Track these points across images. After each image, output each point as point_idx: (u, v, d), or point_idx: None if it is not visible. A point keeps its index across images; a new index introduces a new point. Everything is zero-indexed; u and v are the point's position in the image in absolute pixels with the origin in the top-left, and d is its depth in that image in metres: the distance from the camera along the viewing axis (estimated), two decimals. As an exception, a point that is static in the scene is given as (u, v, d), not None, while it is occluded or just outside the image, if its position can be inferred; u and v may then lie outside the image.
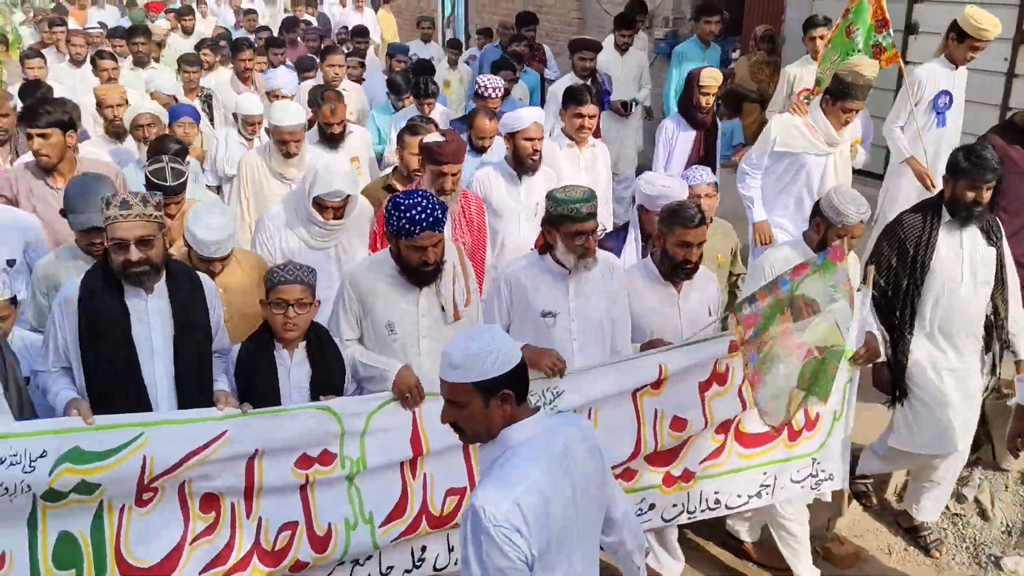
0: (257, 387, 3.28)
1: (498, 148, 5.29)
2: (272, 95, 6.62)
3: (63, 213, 3.65)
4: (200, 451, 3.00)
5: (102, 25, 10.55)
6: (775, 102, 6.97)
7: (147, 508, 3.01)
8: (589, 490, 2.36)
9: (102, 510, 2.94)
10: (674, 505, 3.78)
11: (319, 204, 3.99)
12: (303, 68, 8.29)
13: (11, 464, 2.75)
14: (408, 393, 3.26)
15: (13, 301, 3.42)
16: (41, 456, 2.79)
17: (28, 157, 4.71)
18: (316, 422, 3.17)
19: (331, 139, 5.51)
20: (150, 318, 3.16)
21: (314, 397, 3.30)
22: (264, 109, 6.08)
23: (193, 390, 3.20)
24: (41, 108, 4.29)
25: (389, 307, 3.43)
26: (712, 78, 5.78)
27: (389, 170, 5.24)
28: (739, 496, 3.88)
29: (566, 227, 3.49)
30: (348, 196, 4.02)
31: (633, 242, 4.33)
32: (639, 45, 8.37)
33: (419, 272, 3.36)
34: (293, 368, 3.37)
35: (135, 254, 3.07)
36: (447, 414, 2.31)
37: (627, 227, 4.41)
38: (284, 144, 4.90)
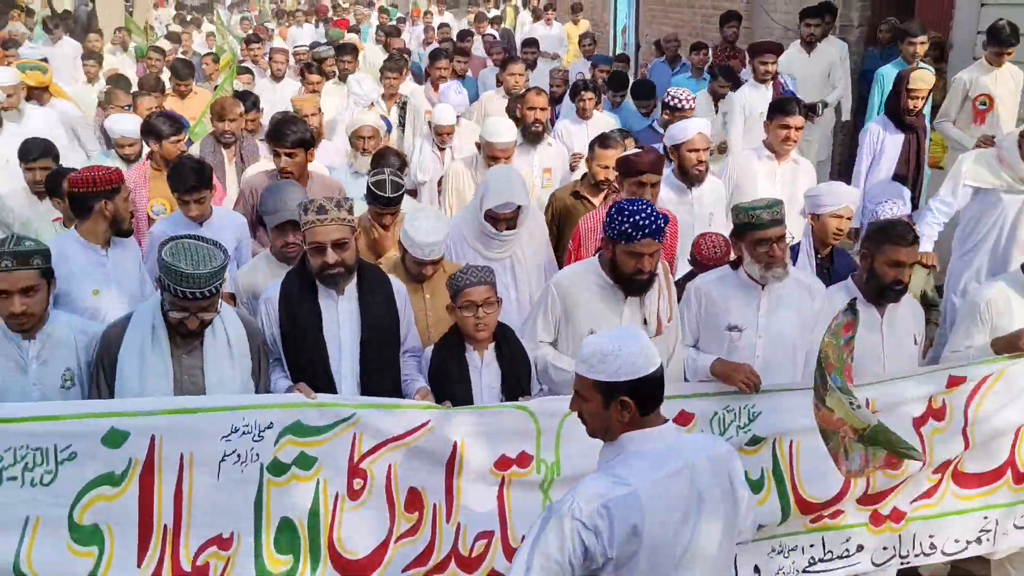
0: (450, 391, 3.35)
1: None
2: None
3: (259, 221, 3.89)
4: (404, 436, 3.15)
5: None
6: (946, 111, 6.56)
7: (358, 502, 3.14)
8: (712, 517, 2.25)
9: (318, 493, 3.10)
10: (884, 548, 3.54)
11: (491, 216, 4.03)
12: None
13: (244, 432, 2.99)
14: (743, 380, 3.28)
15: (231, 298, 3.70)
16: (268, 427, 3.02)
17: (262, 165, 5.10)
18: (513, 420, 3.22)
19: (533, 137, 5.69)
20: (340, 318, 3.31)
21: (505, 398, 3.34)
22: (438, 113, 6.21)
23: (377, 388, 3.30)
24: (288, 128, 4.58)
25: (592, 315, 3.41)
26: (922, 80, 5.64)
27: (578, 176, 5.28)
28: (956, 541, 3.59)
29: (749, 236, 3.45)
30: (520, 207, 4.04)
31: (805, 254, 4.21)
32: (829, 42, 7.93)
33: (632, 280, 3.32)
34: (484, 370, 3.43)
35: (332, 256, 3.21)
36: (573, 403, 2.34)
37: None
38: (495, 160, 4.98)
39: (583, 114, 6.64)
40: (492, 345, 3.45)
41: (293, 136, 4.53)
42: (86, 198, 3.76)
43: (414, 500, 3.20)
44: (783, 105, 5.20)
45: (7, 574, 2.84)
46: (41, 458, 2.84)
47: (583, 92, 6.62)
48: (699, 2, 11.76)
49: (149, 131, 5.14)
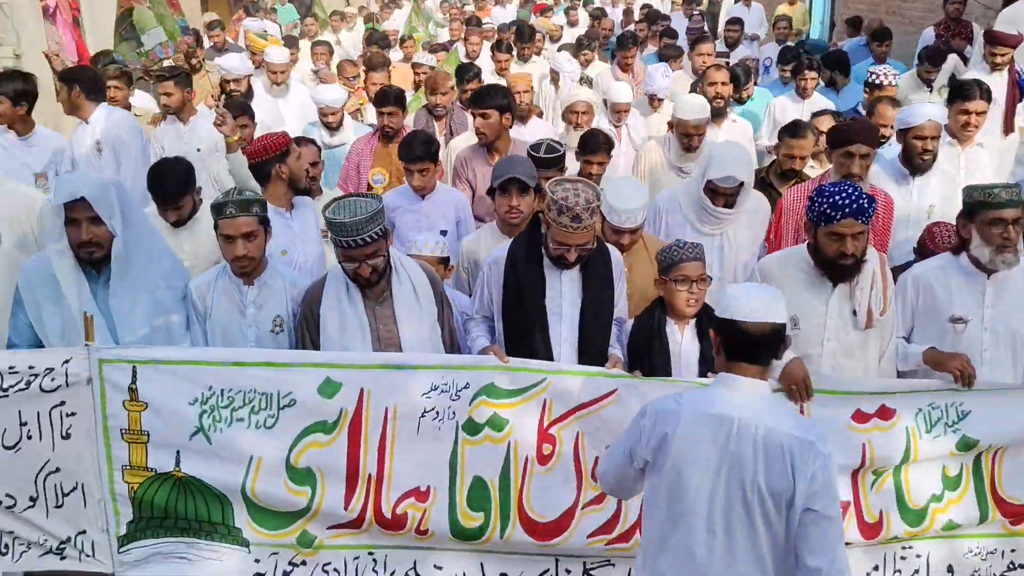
0: (648, 363, 3.35)
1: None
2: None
3: (491, 192, 4.00)
4: (591, 404, 3.20)
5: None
6: None
7: (546, 467, 3.22)
8: (744, 482, 2.38)
9: (509, 455, 3.21)
10: None
11: (711, 189, 3.93)
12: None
13: (442, 391, 3.16)
14: (795, 386, 3.14)
15: (443, 261, 3.88)
16: (464, 387, 3.17)
17: (466, 138, 5.31)
18: None
19: (715, 113, 5.54)
20: (563, 287, 3.36)
21: (702, 374, 3.30)
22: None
23: (592, 356, 3.34)
24: (486, 92, 4.89)
25: (796, 301, 3.28)
26: None
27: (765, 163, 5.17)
28: None
29: (982, 215, 3.27)
30: (742, 184, 3.91)
31: None
32: None
33: (835, 265, 3.20)
34: (684, 343, 3.40)
35: (573, 255, 3.26)
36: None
37: None
38: (688, 137, 4.92)
39: (803, 94, 6.55)
40: (693, 321, 3.42)
41: (489, 100, 4.74)
42: (262, 165, 4.00)
43: None
44: (963, 89, 4.87)
45: (236, 494, 3.17)
46: (266, 403, 3.13)
47: (806, 72, 6.53)
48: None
49: (380, 101, 5.47)
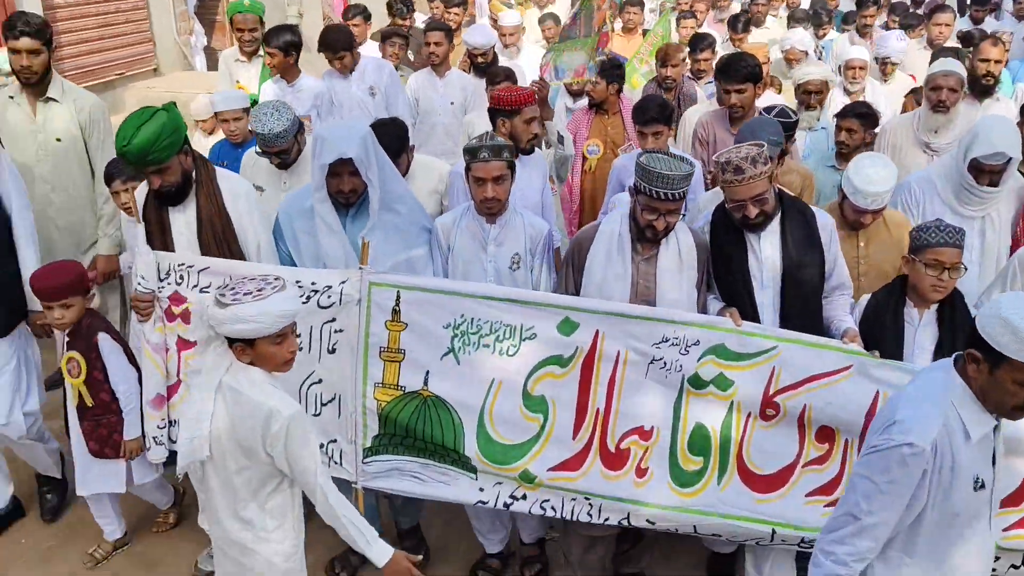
0: (880, 343, 3.28)
1: None
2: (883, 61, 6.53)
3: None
4: (823, 377, 3.18)
5: None
6: None
7: (770, 423, 3.27)
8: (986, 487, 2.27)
9: (732, 411, 3.28)
10: None
11: (976, 167, 3.75)
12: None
13: (673, 344, 3.25)
14: None
15: None
16: (695, 344, 3.25)
17: (699, 108, 5.31)
18: None
19: (982, 90, 5.29)
20: (762, 253, 3.39)
21: (936, 359, 3.17)
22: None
23: (797, 322, 3.33)
24: (739, 63, 4.69)
25: None
26: None
27: None
28: None
29: None
30: (1009, 160, 3.71)
31: None
32: None
33: None
34: (920, 328, 3.30)
35: (752, 211, 3.29)
36: None
37: None
38: (938, 91, 4.65)
39: None
40: (935, 306, 3.30)
41: (744, 70, 4.61)
42: (494, 112, 4.21)
43: (826, 433, 3.26)
44: None
45: (473, 422, 3.41)
46: (510, 333, 3.36)
47: None
48: None
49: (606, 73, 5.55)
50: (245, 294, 2.60)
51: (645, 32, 8.19)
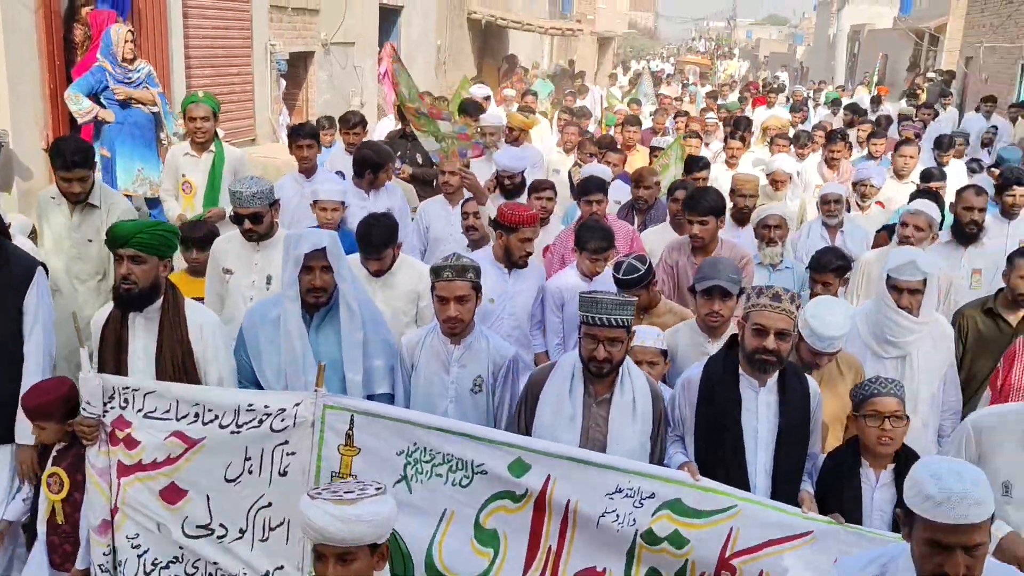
0: (836, 505, 3.18)
1: None
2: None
3: (691, 290, 4.06)
4: (783, 541, 3.05)
5: None
6: None
7: None
8: None
9: (686, 569, 3.14)
10: None
11: (893, 285, 3.77)
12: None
13: (627, 495, 3.12)
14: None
15: (663, 354, 3.88)
16: (650, 497, 3.12)
17: (660, 232, 5.42)
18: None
19: (966, 238, 5.26)
20: (759, 410, 3.26)
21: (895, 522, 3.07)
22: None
23: (788, 488, 3.22)
24: (703, 196, 4.94)
25: (1011, 465, 3.04)
26: None
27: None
28: None
29: None
30: (925, 281, 3.73)
31: None
32: None
33: None
34: (878, 489, 3.21)
35: (771, 343, 3.16)
36: None
37: None
38: (907, 240, 4.72)
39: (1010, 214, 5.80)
40: (892, 466, 3.21)
41: (707, 204, 4.71)
42: (496, 224, 4.49)
43: None
44: None
45: (421, 553, 3.28)
46: (462, 466, 3.26)
47: (1015, 186, 5.77)
48: None
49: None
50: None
51: (653, 149, 8.50)
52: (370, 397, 3.63)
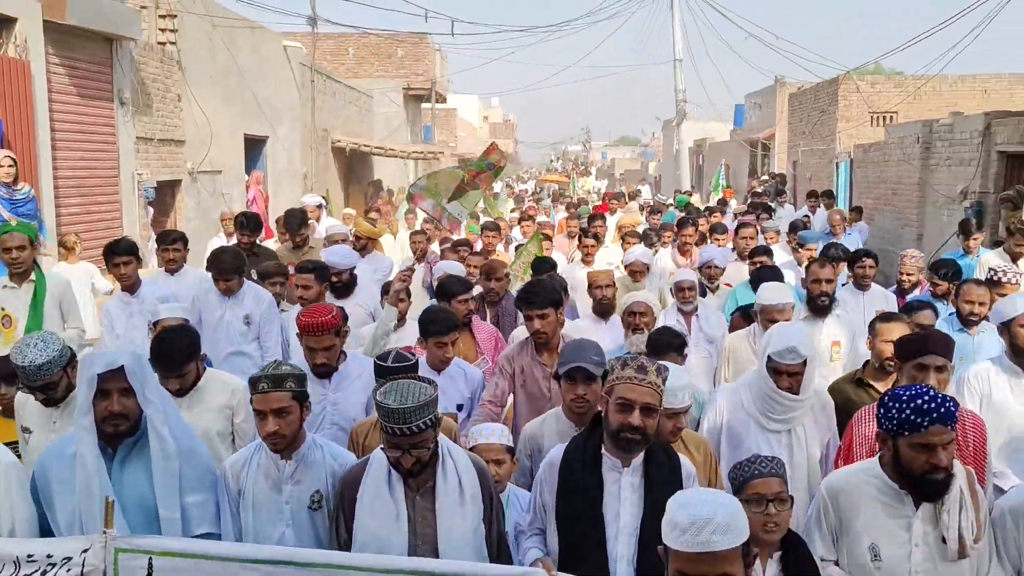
0: None
1: None
2: None
3: (556, 377, 3.79)
4: None
5: None
6: None
7: None
8: None
9: None
10: None
11: (773, 368, 3.66)
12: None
13: None
14: None
15: (510, 451, 3.65)
16: None
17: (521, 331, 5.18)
18: None
19: (820, 310, 5.38)
20: (622, 492, 3.01)
21: None
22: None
23: (653, 572, 2.91)
24: (537, 289, 4.63)
25: (873, 526, 2.86)
26: None
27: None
28: None
29: None
30: (806, 361, 3.64)
31: None
32: None
33: (924, 481, 2.74)
34: None
35: (637, 420, 2.91)
36: None
37: None
38: (773, 323, 4.57)
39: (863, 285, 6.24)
40: (778, 554, 2.90)
41: (544, 296, 4.50)
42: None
43: None
44: None
45: None
46: None
47: (864, 259, 6.25)
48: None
49: None
50: None
51: (518, 247, 8.61)
52: None
